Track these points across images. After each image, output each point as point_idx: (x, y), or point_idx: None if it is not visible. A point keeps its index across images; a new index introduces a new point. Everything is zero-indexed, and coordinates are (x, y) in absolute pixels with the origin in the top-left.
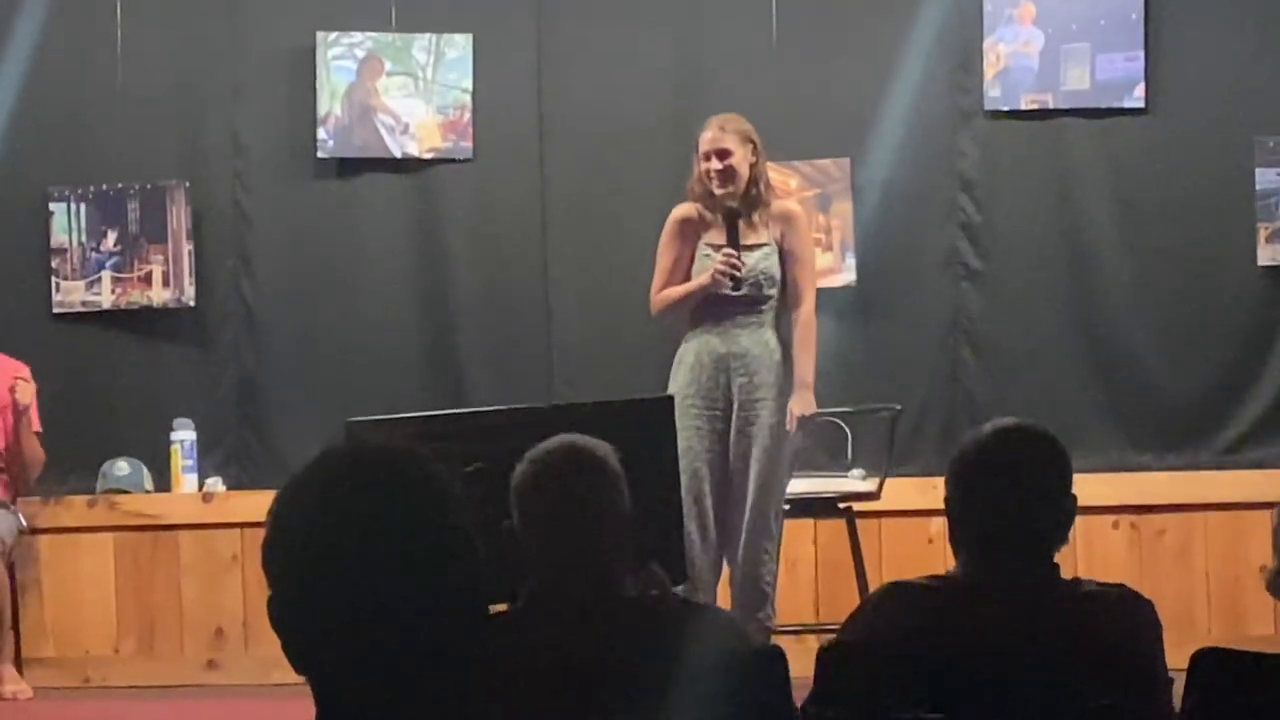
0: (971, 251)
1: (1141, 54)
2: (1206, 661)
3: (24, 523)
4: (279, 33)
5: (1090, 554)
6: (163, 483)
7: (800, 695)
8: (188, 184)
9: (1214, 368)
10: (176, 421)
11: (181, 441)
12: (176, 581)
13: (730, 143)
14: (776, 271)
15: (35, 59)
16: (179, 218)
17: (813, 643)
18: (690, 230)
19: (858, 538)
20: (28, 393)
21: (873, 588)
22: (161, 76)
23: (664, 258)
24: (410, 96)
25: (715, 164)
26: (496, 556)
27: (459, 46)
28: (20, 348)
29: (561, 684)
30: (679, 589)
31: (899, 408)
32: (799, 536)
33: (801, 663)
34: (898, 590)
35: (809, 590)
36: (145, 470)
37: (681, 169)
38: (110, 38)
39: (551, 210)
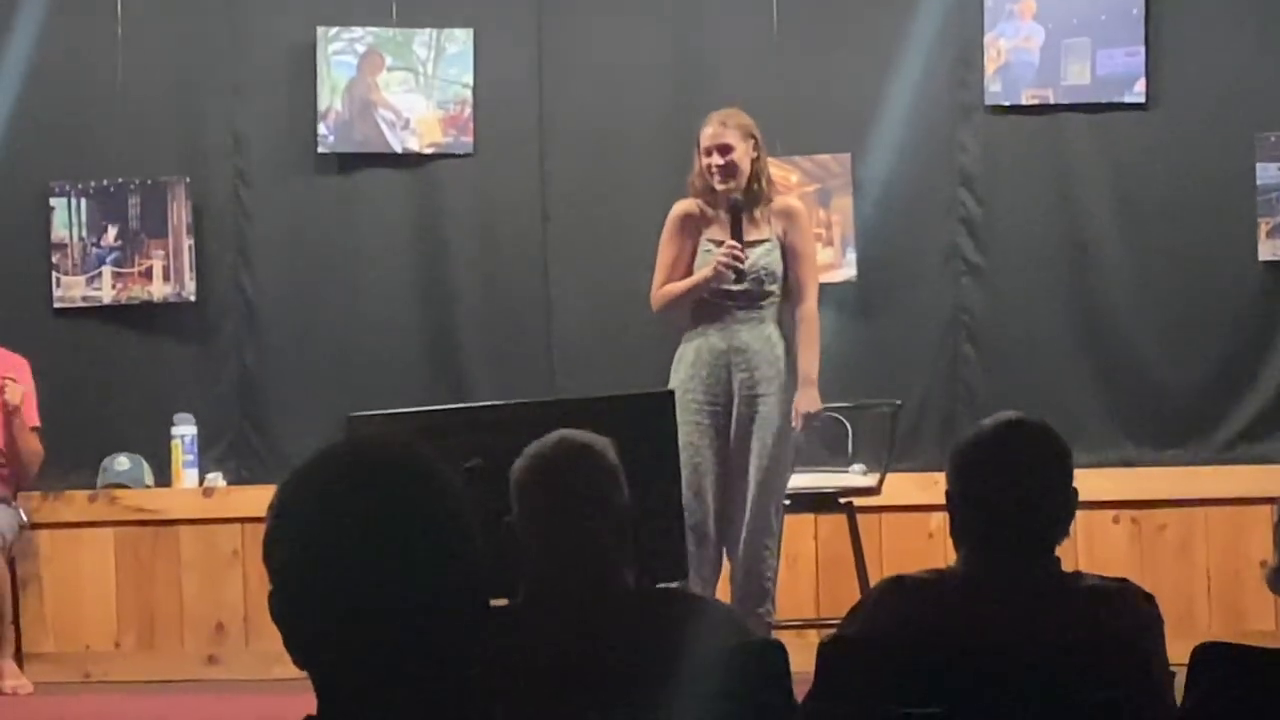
0: (972, 247)
1: (1142, 49)
2: (1207, 656)
3: (24, 517)
4: (279, 28)
5: (1091, 549)
6: (163, 478)
7: (801, 690)
8: (188, 179)
9: (1215, 362)
10: (177, 416)
11: (182, 436)
12: (177, 577)
13: (732, 138)
14: (778, 267)
15: (36, 54)
16: (179, 213)
17: (813, 637)
18: (691, 226)
19: (858, 533)
20: (16, 393)
21: (873, 583)
22: (162, 72)
23: (665, 253)
24: (411, 92)
25: (717, 159)
26: (496, 551)
27: (460, 41)
28: (21, 343)
29: (561, 679)
30: (679, 584)
31: (899, 403)
32: (800, 531)
33: (802, 657)
34: (898, 585)
35: (809, 585)
36: (146, 465)
37: (682, 164)
38: (111, 33)
39: (552, 205)
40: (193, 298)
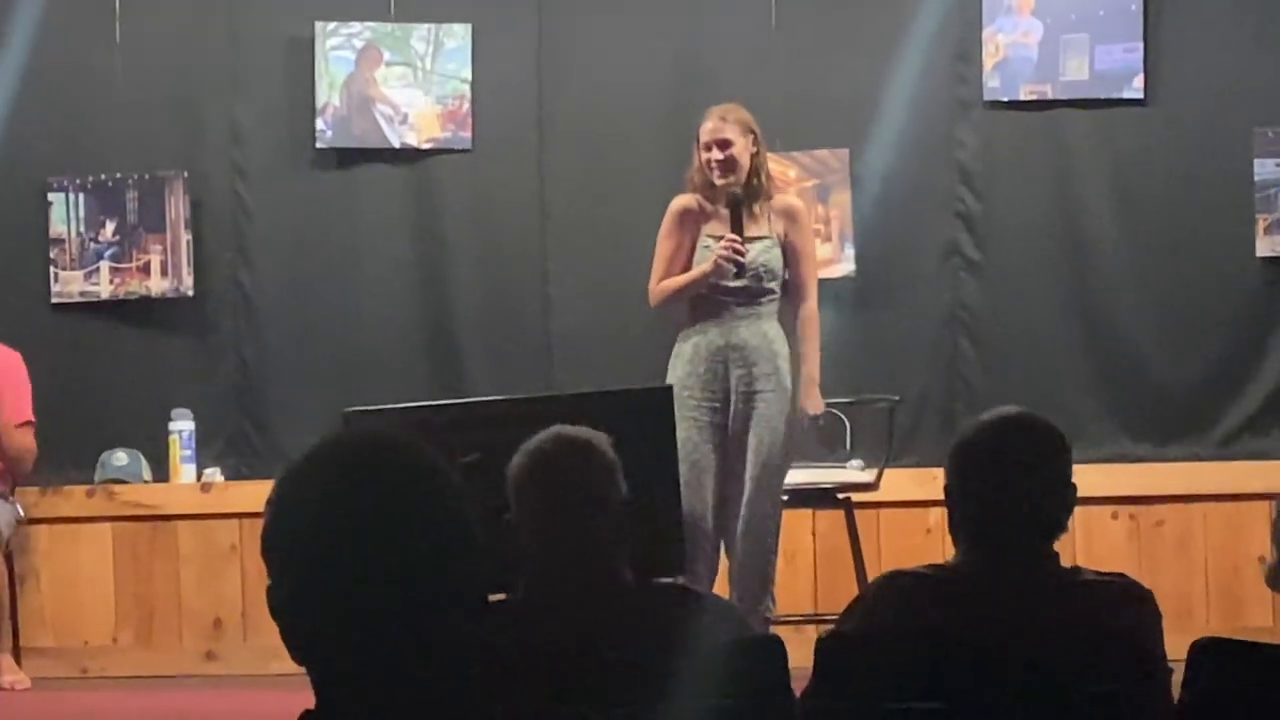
0: (970, 242)
1: (1140, 45)
2: (1205, 652)
3: (21, 512)
4: (277, 23)
5: (1089, 544)
6: (161, 473)
7: (799, 685)
8: (186, 174)
9: (1213, 358)
10: (175, 411)
11: (180, 431)
12: (175, 572)
13: (731, 133)
14: (777, 265)
15: (34, 49)
16: (177, 208)
17: (812, 633)
18: (690, 221)
19: (856, 528)
20: None
21: (871, 578)
22: (160, 67)
23: (664, 248)
24: (409, 87)
25: (716, 154)
26: (495, 547)
27: (458, 36)
28: (19, 338)
29: (560, 674)
30: (678, 579)
31: (898, 398)
32: (798, 527)
33: (800, 653)
34: (897, 580)
35: (808, 581)
36: (144, 460)
37: (681, 159)
38: (109, 28)
39: (550, 200)
40: (190, 293)
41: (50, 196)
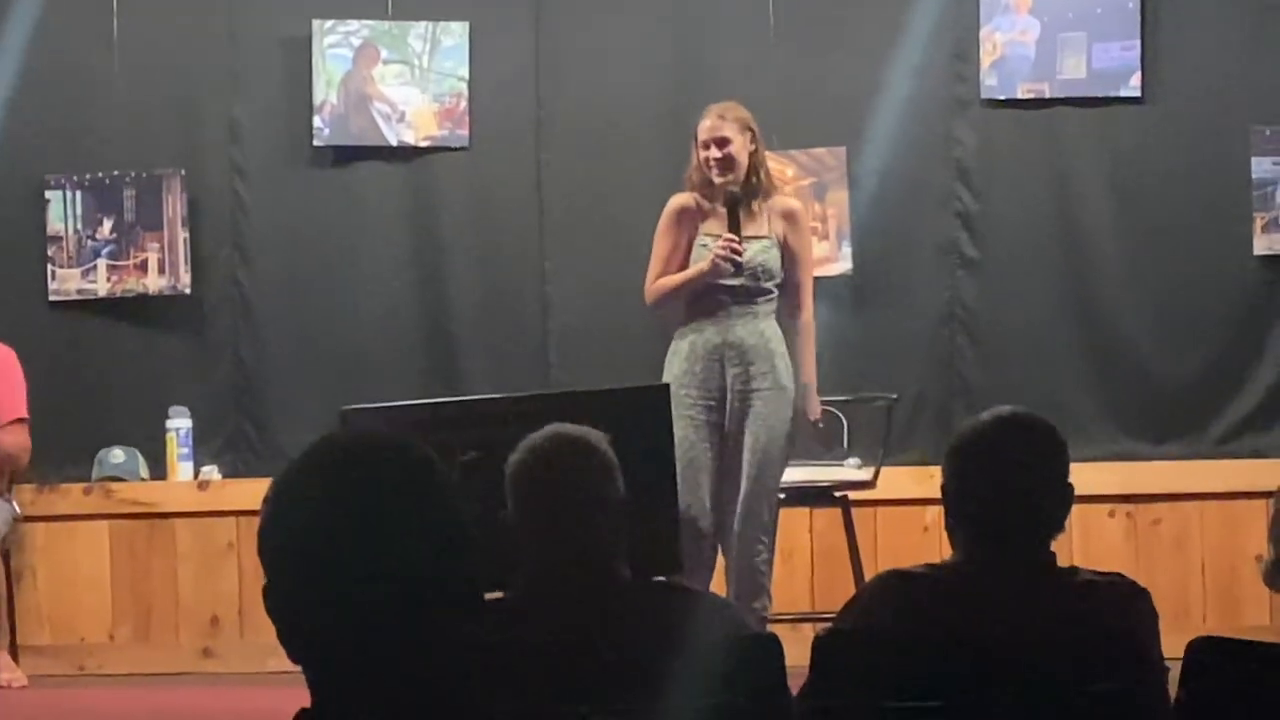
0: (968, 240)
1: (1138, 43)
2: (1202, 650)
3: (18, 510)
4: (275, 21)
5: (1086, 543)
6: (158, 471)
7: (796, 684)
8: (183, 172)
9: (1210, 356)
10: (172, 409)
11: (177, 429)
12: (172, 569)
13: (729, 131)
14: (776, 266)
15: (31, 47)
16: (175, 206)
17: (808, 631)
18: (688, 220)
19: (853, 526)
20: None
21: (868, 576)
22: (157, 65)
23: (661, 247)
24: (406, 84)
25: (714, 152)
26: (492, 545)
27: (455, 34)
28: (16, 336)
29: (557, 672)
30: (674, 578)
31: (895, 397)
32: (795, 525)
33: (797, 651)
34: (894, 578)
35: (805, 579)
36: (141, 458)
37: (679, 157)
38: (106, 26)
39: (548, 198)
40: (188, 291)
41: (48, 194)
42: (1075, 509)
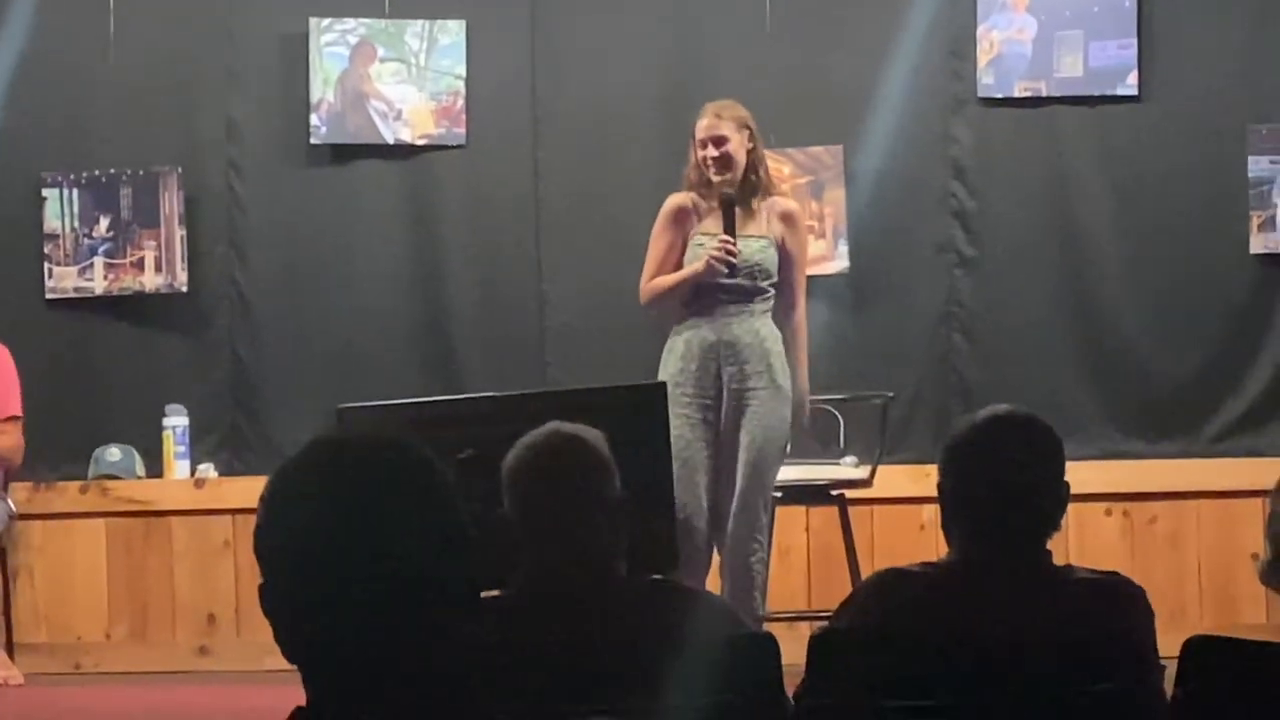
0: (964, 239)
1: (1134, 41)
2: (1198, 649)
3: (13, 508)
4: (272, 18)
5: (1082, 541)
6: (155, 469)
7: (792, 682)
8: (180, 170)
9: (1207, 355)
10: (169, 407)
11: (174, 427)
12: (169, 567)
13: (727, 129)
14: (772, 266)
15: (29, 44)
16: (172, 203)
17: (805, 630)
18: (685, 219)
19: (850, 525)
20: None
21: (865, 575)
22: (154, 62)
23: (656, 246)
24: (403, 82)
25: (712, 151)
26: (488, 543)
27: (452, 32)
28: (12, 334)
29: (553, 671)
30: (670, 576)
31: (891, 395)
32: (791, 524)
33: (793, 650)
34: (890, 577)
35: (801, 577)
36: (137, 456)
37: (675, 155)
38: (103, 24)
39: (545, 196)
40: (185, 288)
41: (45, 192)
42: (1071, 507)
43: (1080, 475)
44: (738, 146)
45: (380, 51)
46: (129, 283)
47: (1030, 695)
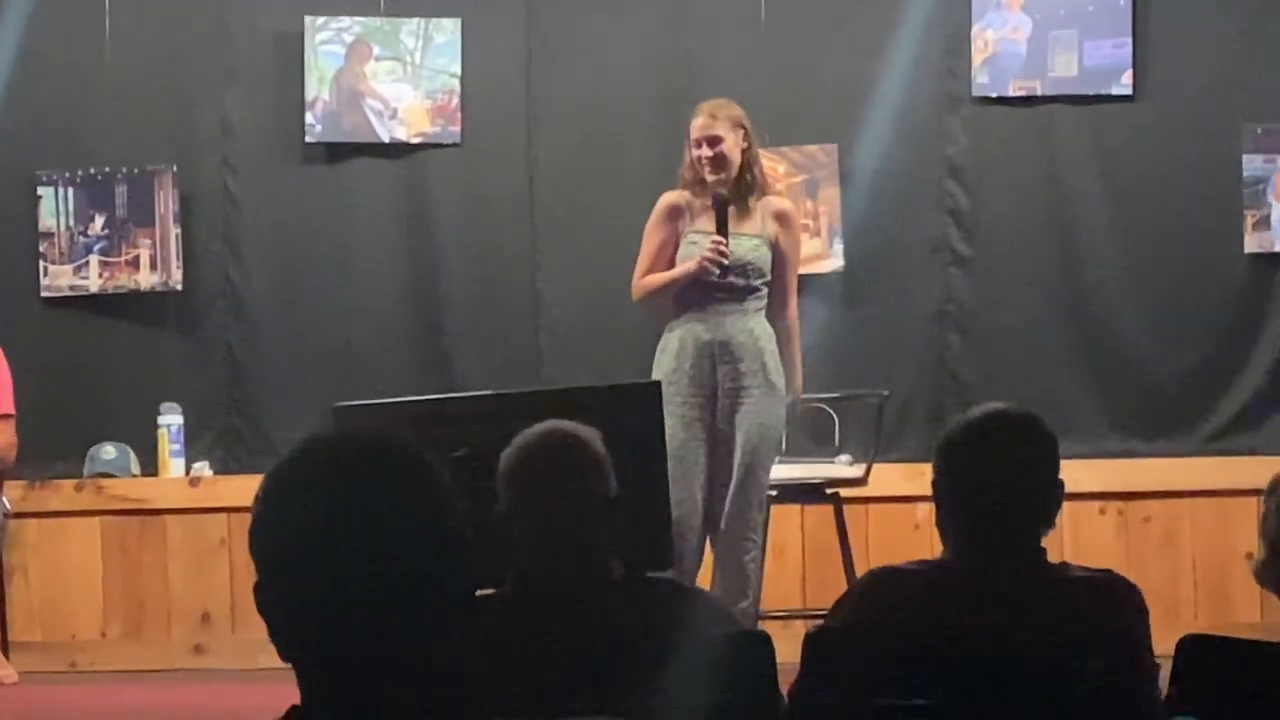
0: (959, 238)
1: (1129, 40)
2: (1192, 648)
3: (9, 506)
4: (267, 17)
5: (1077, 539)
6: (150, 467)
7: (786, 681)
8: (175, 168)
9: (1201, 354)
10: (164, 406)
11: (169, 426)
12: (164, 566)
13: (721, 129)
14: (766, 265)
15: (24, 43)
16: (167, 202)
17: (799, 628)
18: (678, 217)
19: (845, 523)
20: None
21: (860, 573)
22: (150, 61)
23: (649, 244)
24: (398, 81)
25: (706, 150)
26: (484, 541)
27: (447, 31)
28: (8, 332)
29: (548, 668)
30: (665, 574)
31: (886, 393)
32: (786, 522)
33: (788, 648)
34: (885, 575)
35: (796, 576)
36: (132, 454)
37: (671, 154)
38: (99, 22)
39: (540, 195)
40: (180, 287)
41: (39, 190)
42: (1066, 505)
43: (1075, 473)
44: (732, 146)
45: (375, 50)
46: (124, 281)
47: (1025, 693)
